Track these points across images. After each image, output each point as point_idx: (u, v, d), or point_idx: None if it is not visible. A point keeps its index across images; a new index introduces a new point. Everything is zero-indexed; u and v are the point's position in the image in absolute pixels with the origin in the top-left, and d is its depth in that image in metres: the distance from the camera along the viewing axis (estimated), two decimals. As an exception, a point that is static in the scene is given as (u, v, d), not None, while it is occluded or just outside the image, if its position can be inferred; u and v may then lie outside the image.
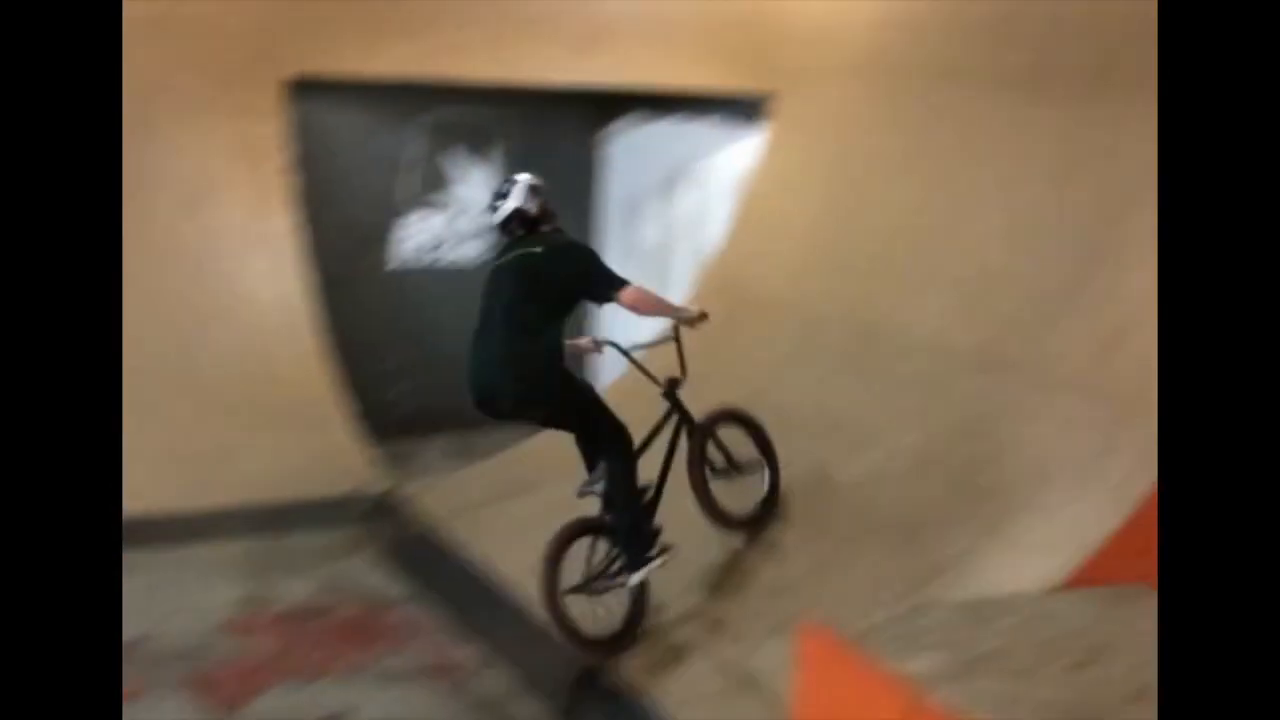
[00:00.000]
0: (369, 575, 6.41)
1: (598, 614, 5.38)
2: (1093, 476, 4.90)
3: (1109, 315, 5.40)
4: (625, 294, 5.33)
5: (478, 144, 8.95)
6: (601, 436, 5.50)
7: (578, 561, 5.36)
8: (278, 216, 7.75)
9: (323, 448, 7.33)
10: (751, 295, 7.58)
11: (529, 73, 8.29)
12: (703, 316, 5.58)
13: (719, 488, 5.65)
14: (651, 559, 5.42)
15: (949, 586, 4.89)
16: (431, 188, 8.88)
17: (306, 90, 7.94)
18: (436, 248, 8.95)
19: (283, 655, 5.45)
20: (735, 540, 5.78)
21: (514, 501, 6.83)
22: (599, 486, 5.49)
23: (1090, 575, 4.45)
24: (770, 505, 5.90)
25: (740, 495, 5.71)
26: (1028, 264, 5.99)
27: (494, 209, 5.65)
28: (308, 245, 7.82)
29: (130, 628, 4.56)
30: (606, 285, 5.39)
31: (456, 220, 8.98)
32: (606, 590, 5.43)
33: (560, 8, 8.17)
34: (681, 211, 9.10)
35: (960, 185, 6.61)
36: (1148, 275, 5.16)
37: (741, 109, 8.35)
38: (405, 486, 7.41)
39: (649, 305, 5.47)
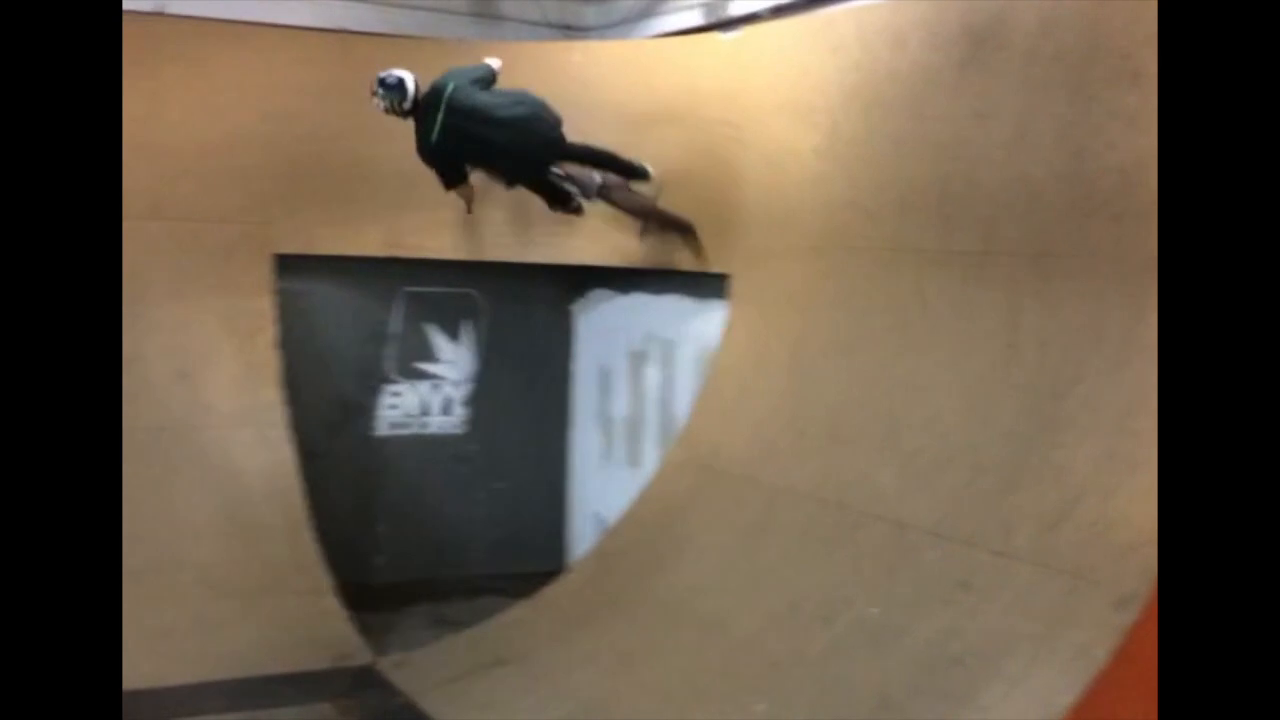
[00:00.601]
0: (350, 749, 6.44)
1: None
2: (1049, 649, 5.06)
3: (1058, 487, 5.59)
4: (493, 64, 7.55)
5: (456, 316, 9.31)
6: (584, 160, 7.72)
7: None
8: (266, 389, 8.02)
9: (305, 620, 7.40)
10: (717, 468, 7.78)
11: (504, 250, 8.76)
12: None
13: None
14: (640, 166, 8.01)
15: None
16: (413, 358, 9.19)
17: (292, 266, 8.30)
18: (418, 417, 9.21)
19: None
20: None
21: (494, 673, 6.90)
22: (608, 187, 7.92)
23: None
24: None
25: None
26: (979, 437, 6.21)
27: (401, 100, 7.31)
28: (294, 417, 8.05)
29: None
30: (486, 70, 7.50)
31: (437, 389, 9.26)
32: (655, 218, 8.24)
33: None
34: (650, 384, 9.30)
35: (912, 360, 6.86)
36: (1094, 447, 5.52)
37: (707, 283, 8.64)
38: (386, 658, 7.43)
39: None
